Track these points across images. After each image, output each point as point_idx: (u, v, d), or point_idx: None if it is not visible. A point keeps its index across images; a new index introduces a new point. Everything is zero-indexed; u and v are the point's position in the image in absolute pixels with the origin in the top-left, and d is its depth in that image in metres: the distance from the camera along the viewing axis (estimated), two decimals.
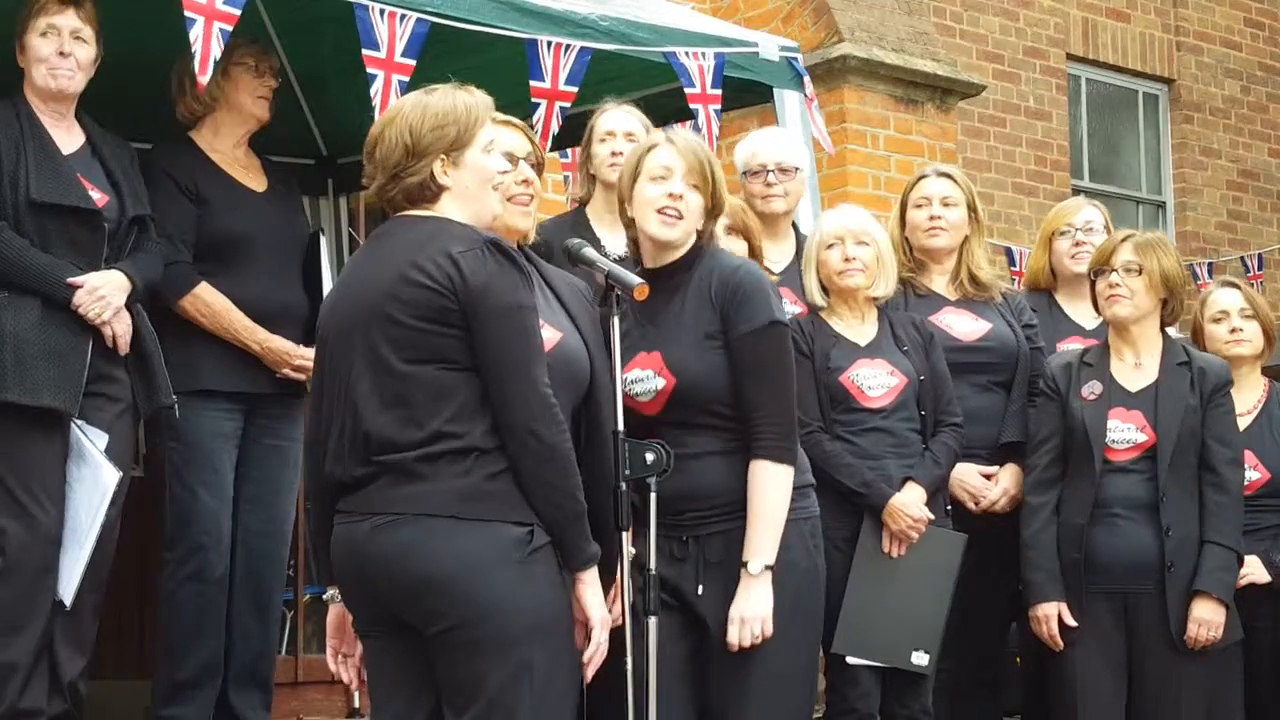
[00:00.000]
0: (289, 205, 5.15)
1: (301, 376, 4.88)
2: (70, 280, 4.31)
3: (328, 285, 5.01)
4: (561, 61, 4.75)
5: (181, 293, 4.79)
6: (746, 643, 3.69)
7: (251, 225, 4.92)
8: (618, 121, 4.74)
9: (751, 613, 3.69)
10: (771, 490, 3.71)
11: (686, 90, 5.04)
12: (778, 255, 4.92)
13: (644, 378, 3.78)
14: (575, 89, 4.78)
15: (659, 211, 3.79)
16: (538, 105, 4.73)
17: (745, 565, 3.71)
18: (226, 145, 5.00)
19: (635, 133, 4.69)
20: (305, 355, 4.86)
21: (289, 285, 5.00)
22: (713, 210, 3.85)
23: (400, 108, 3.42)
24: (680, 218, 3.79)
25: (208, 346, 4.82)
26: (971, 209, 4.98)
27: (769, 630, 3.69)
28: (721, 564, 3.76)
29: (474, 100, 3.41)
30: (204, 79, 4.25)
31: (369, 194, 3.44)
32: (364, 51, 4.42)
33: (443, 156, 3.35)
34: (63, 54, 4.40)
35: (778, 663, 3.73)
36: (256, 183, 5.04)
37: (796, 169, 4.98)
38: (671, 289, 3.82)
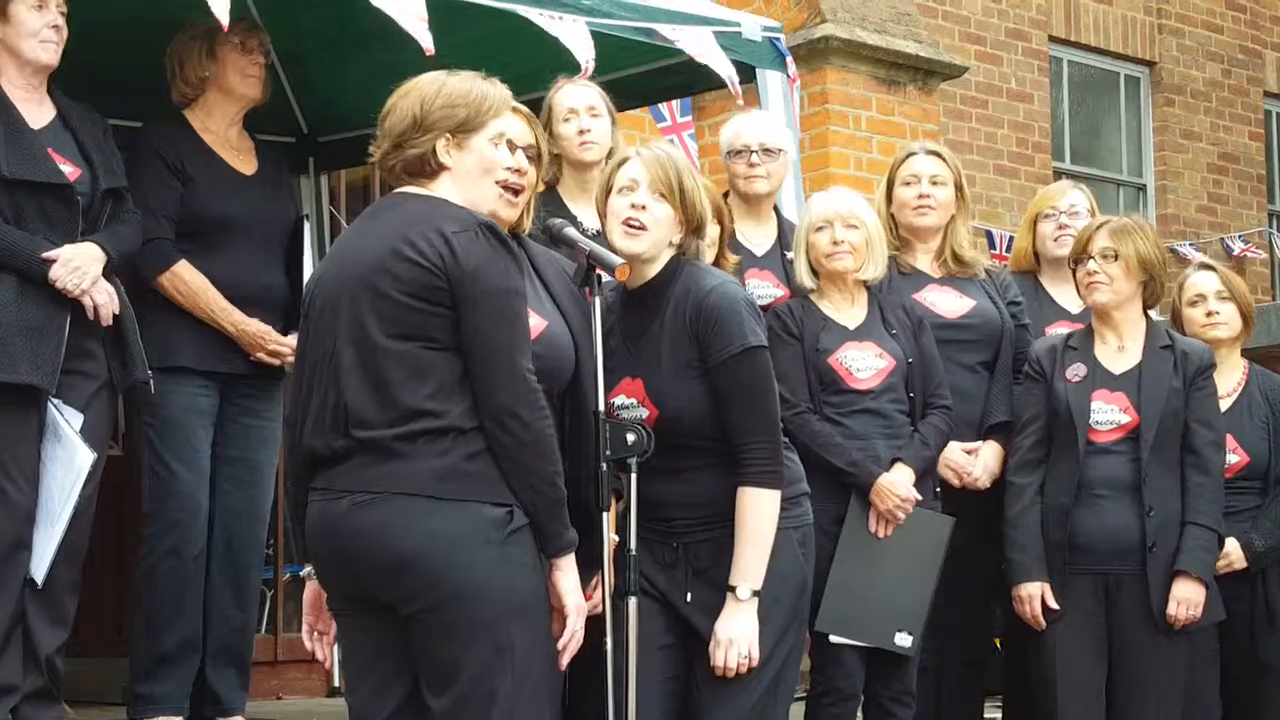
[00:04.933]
0: (277, 189, 5.11)
1: (276, 361, 4.86)
2: (45, 255, 4.27)
3: (309, 270, 4.98)
4: (559, 27, 4.67)
5: (161, 269, 4.78)
6: (733, 665, 3.66)
7: (235, 207, 4.90)
8: (578, 98, 4.65)
9: (738, 636, 3.66)
10: (759, 516, 3.67)
11: (693, 55, 4.98)
12: (760, 237, 4.90)
13: (629, 405, 3.75)
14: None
15: (623, 223, 3.75)
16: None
17: (733, 590, 3.67)
18: (219, 126, 4.98)
19: (597, 106, 4.64)
20: (281, 340, 4.86)
21: (269, 269, 4.98)
22: (688, 224, 3.79)
23: (419, 82, 3.41)
24: (644, 229, 3.74)
25: (184, 324, 4.80)
26: (958, 188, 4.99)
27: (755, 655, 3.66)
28: (710, 571, 3.73)
29: (492, 90, 3.41)
30: (225, 22, 4.10)
31: (373, 160, 3.42)
32: None
33: (448, 136, 3.34)
34: (55, 27, 4.36)
35: (761, 671, 3.69)
36: (246, 165, 5.01)
37: (780, 150, 4.95)
38: (652, 310, 3.78)
